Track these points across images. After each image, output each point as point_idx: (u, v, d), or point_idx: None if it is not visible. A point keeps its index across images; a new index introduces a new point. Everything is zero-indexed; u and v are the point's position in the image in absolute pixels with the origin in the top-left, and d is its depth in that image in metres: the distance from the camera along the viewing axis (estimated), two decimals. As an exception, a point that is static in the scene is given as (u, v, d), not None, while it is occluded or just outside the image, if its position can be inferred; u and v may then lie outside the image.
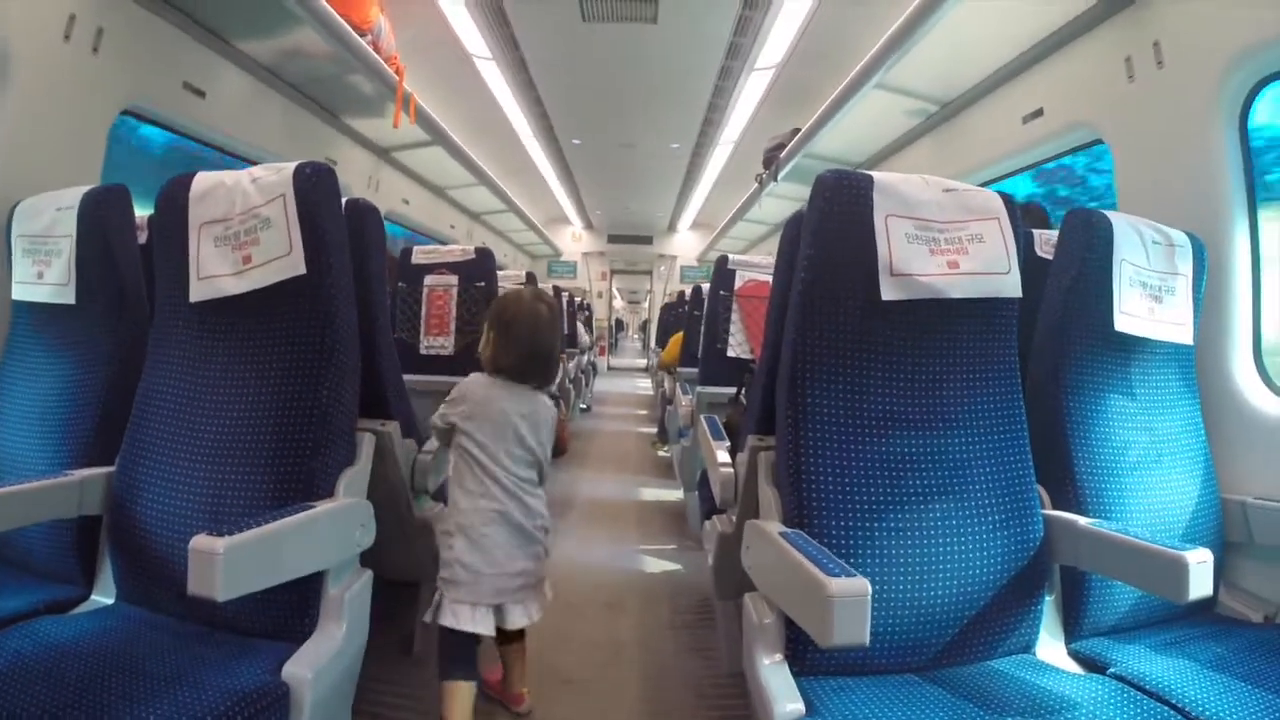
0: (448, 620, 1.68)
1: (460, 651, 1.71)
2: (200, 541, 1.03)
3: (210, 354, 1.48)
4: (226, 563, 1.03)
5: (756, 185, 5.27)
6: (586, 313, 9.85)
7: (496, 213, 8.24)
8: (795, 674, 1.18)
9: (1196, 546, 1.15)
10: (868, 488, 1.29)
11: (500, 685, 1.93)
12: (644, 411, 7.90)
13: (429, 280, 3.13)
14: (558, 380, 2.43)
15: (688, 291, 5.13)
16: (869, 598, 0.95)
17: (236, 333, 1.47)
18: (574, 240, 12.10)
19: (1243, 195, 1.81)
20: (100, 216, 1.68)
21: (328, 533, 1.31)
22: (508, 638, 1.85)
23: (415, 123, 3.83)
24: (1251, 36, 1.75)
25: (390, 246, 5.62)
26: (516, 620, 1.75)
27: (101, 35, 2.23)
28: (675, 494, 4.16)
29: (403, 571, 2.02)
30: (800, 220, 1.43)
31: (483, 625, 1.69)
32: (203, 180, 1.49)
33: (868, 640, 0.95)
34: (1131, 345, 1.59)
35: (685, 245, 12.20)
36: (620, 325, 24.14)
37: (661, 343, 7.80)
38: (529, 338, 1.81)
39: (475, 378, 1.83)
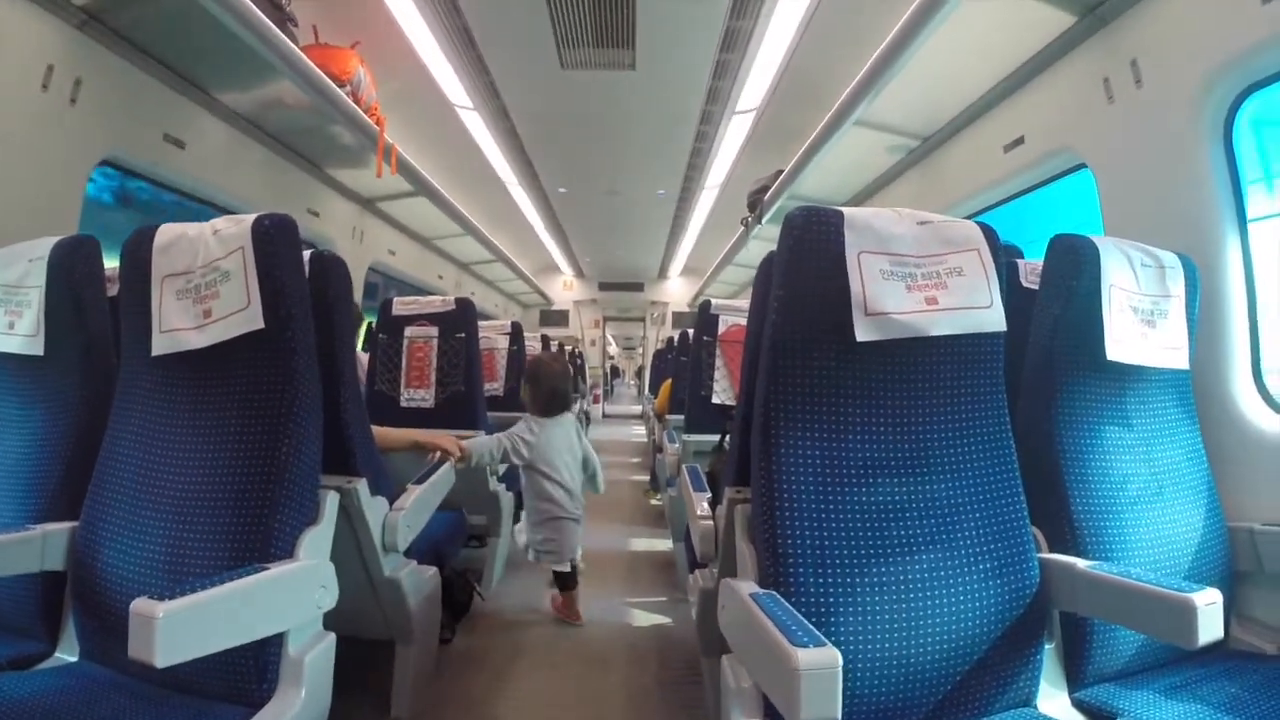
0: (556, 568, 2.86)
1: (562, 578, 2.87)
2: (140, 605, 1.00)
3: (173, 409, 1.44)
4: (164, 627, 0.99)
5: (743, 229, 5.27)
6: (579, 361, 9.81)
7: (485, 262, 8.24)
8: None
9: (1203, 585, 1.08)
10: (847, 541, 1.21)
11: (565, 610, 2.91)
12: (638, 459, 7.80)
13: (409, 332, 3.10)
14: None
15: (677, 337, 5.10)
16: (839, 670, 0.87)
17: (198, 387, 1.43)
18: (565, 289, 12.08)
19: (1232, 210, 1.78)
20: (69, 267, 1.65)
21: (284, 595, 1.26)
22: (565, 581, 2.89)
23: (397, 173, 3.83)
24: (1229, 47, 1.73)
25: (380, 295, 5.61)
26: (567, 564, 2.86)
27: (80, 86, 2.24)
28: (666, 544, 4.05)
29: (376, 630, 1.95)
30: (773, 261, 1.38)
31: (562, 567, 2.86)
32: (166, 232, 1.47)
33: (839, 716, 0.88)
34: (1126, 374, 1.54)
35: (676, 291, 12.19)
36: (616, 372, 24.15)
37: (654, 389, 7.74)
38: (548, 385, 2.90)
39: (528, 423, 2.85)
